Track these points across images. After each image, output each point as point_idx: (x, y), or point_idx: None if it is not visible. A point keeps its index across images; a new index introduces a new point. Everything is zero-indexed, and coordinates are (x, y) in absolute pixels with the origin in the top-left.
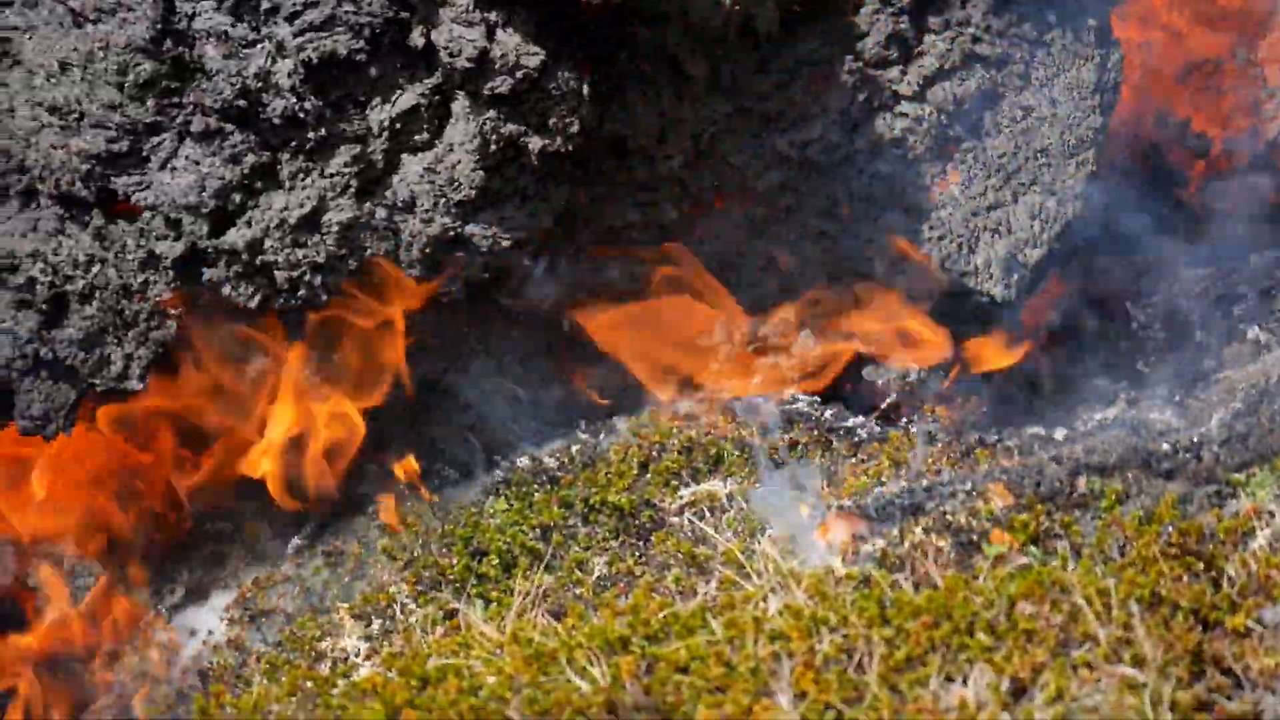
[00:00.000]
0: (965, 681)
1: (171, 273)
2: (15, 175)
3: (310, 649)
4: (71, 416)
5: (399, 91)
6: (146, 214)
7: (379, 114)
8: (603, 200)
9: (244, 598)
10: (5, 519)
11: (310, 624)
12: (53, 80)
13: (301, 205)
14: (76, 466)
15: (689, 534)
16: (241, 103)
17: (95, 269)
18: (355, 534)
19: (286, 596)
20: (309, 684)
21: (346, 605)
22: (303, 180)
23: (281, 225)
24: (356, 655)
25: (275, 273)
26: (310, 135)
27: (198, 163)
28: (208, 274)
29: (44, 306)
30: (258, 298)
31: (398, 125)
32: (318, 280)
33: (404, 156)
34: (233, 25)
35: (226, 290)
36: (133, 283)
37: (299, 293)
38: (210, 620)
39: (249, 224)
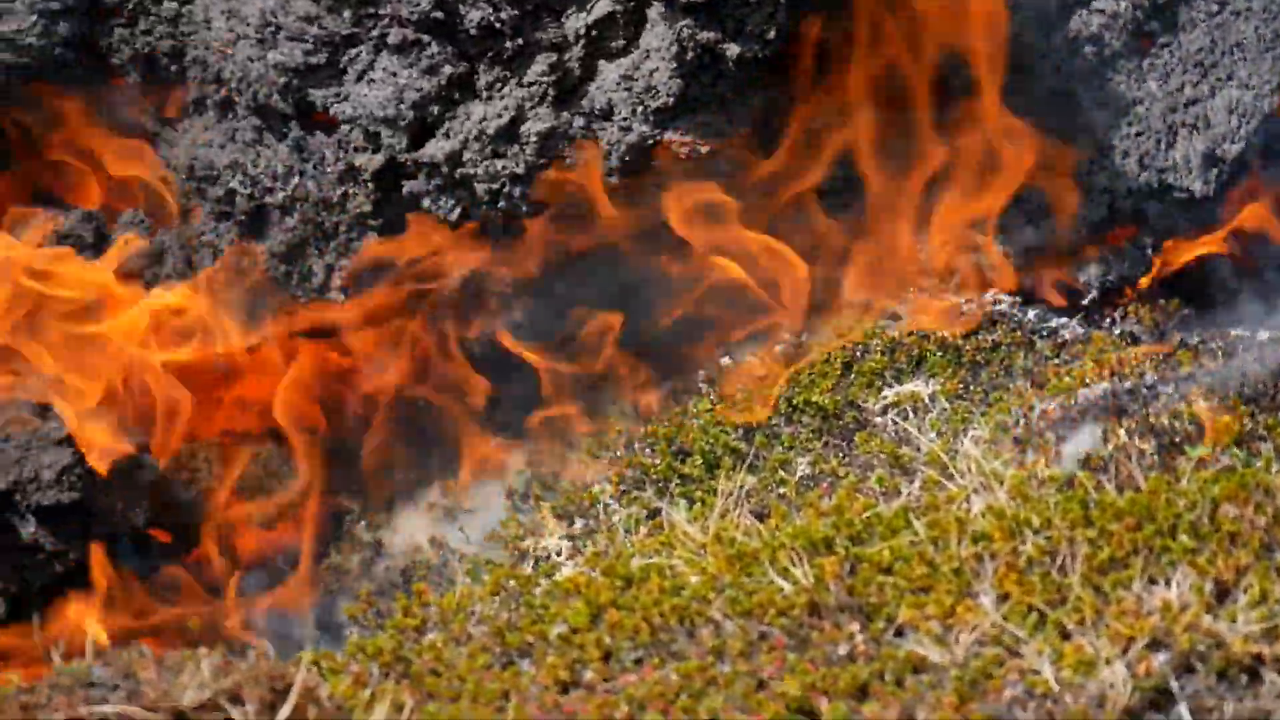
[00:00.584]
0: (1168, 584)
1: (370, 185)
2: (212, 86)
3: (513, 548)
4: (273, 326)
5: None
6: (344, 126)
7: (575, 22)
8: (800, 105)
9: (447, 496)
10: (209, 419)
11: (513, 523)
12: None
13: (500, 116)
14: (280, 369)
15: (892, 434)
16: (438, 14)
17: (294, 181)
18: (559, 433)
19: (490, 495)
20: (512, 583)
21: (550, 504)
22: (500, 90)
23: (480, 136)
24: (559, 554)
25: (475, 185)
26: (507, 45)
27: (395, 75)
28: (407, 186)
29: (244, 218)
30: (457, 210)
31: (594, 33)
32: (517, 191)
33: (600, 64)
34: None
35: (426, 203)
36: (332, 195)
37: (499, 204)
38: (414, 520)
39: (447, 136)
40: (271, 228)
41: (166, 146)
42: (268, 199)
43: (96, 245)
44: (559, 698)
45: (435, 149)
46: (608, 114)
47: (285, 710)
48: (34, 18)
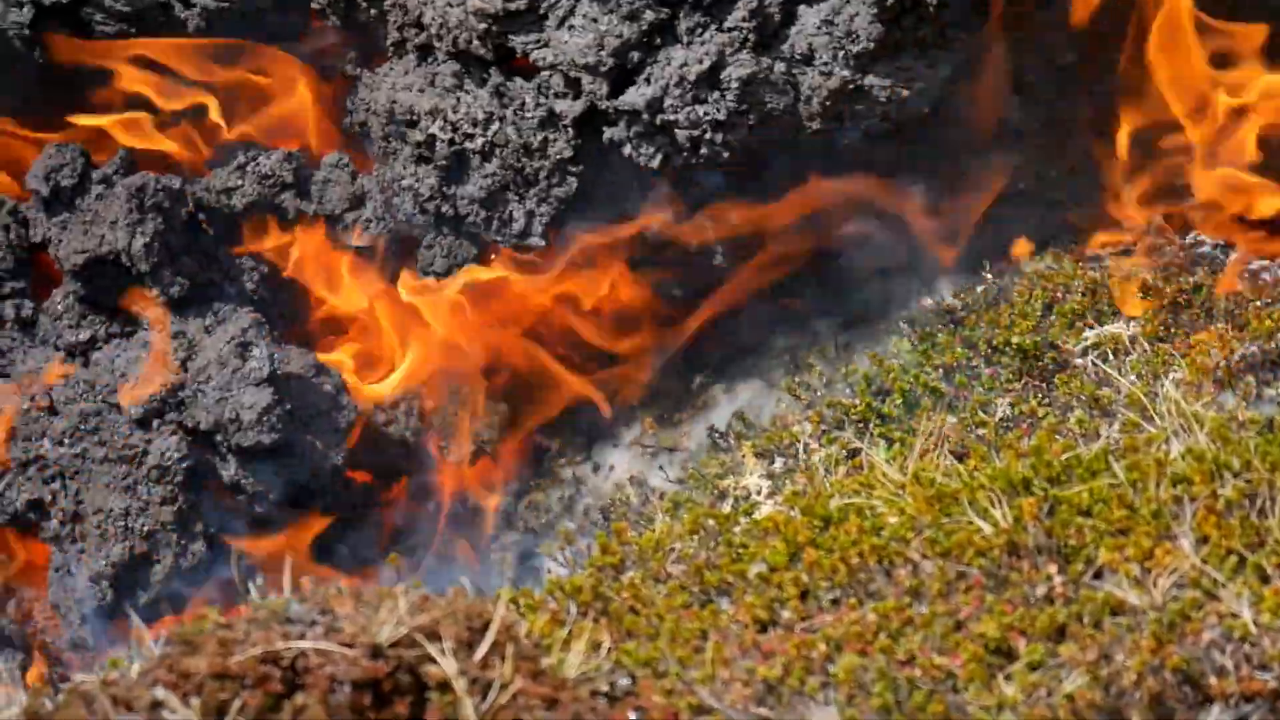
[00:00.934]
0: None
1: (571, 131)
2: (412, 30)
3: (713, 486)
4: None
5: None
6: (545, 72)
7: None
8: (1001, 47)
9: (647, 435)
10: (419, 357)
11: (713, 461)
12: None
13: (700, 61)
14: (481, 308)
15: (1092, 376)
16: None
17: (494, 127)
18: (759, 372)
19: (689, 434)
20: (711, 521)
21: (750, 443)
22: (700, 35)
23: (681, 83)
24: (758, 493)
25: (676, 132)
26: None
27: (595, 21)
28: (608, 133)
29: (444, 163)
30: (659, 157)
31: None
32: (718, 138)
33: (800, 9)
34: None
35: (627, 150)
36: (532, 141)
37: (700, 151)
38: (613, 457)
39: (648, 82)
40: (471, 173)
41: (367, 90)
42: (468, 145)
43: (297, 186)
44: (757, 636)
45: (636, 96)
46: (808, 59)
47: (483, 647)
48: None
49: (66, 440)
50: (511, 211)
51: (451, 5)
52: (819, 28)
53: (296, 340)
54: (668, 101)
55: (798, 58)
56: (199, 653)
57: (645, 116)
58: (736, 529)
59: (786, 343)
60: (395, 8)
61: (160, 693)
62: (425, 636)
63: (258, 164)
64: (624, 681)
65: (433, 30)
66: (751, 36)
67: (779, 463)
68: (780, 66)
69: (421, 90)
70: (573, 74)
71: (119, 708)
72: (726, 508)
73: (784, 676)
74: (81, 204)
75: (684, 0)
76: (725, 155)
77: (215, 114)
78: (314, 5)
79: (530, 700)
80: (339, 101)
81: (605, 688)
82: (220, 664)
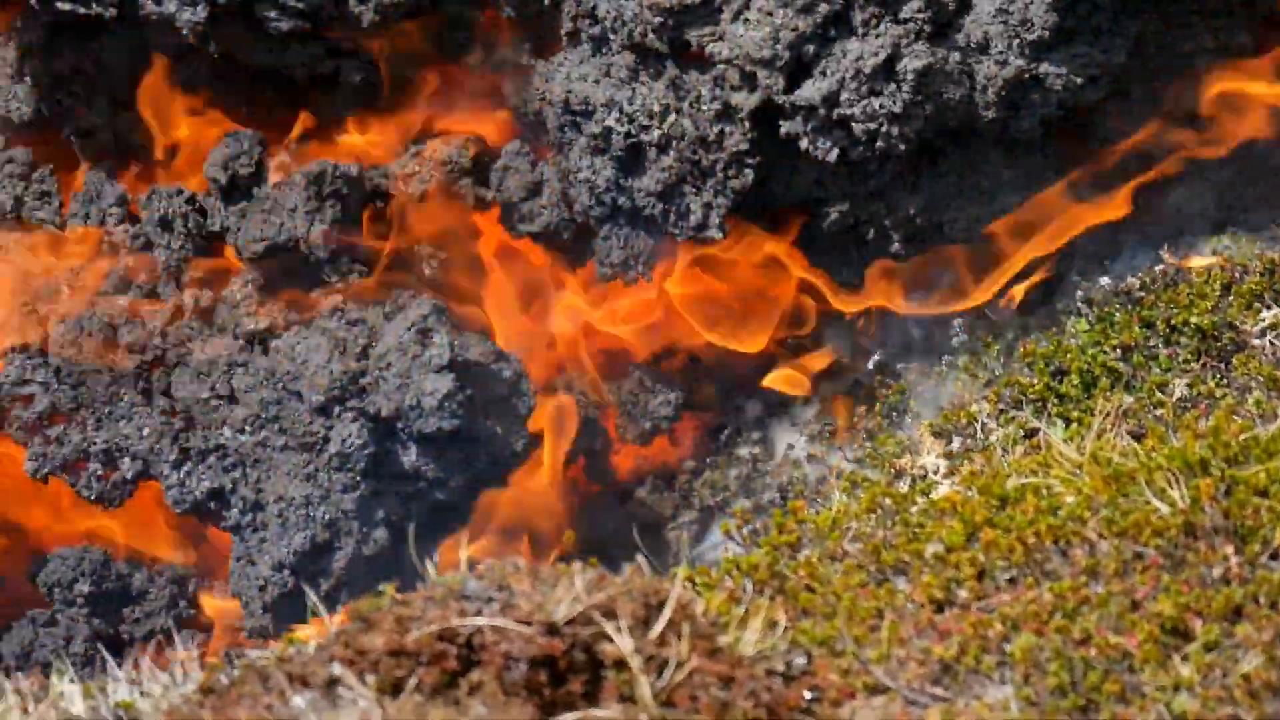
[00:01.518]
0: None
1: (747, 124)
2: (586, 20)
3: (890, 466)
4: (650, 263)
5: None
6: (720, 65)
7: None
8: (1173, 27)
9: (825, 414)
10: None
11: (890, 441)
12: None
13: (876, 54)
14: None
15: (1270, 356)
16: None
17: (670, 119)
18: (935, 352)
19: (867, 414)
20: (888, 500)
21: (927, 422)
22: (875, 27)
23: (857, 75)
24: (935, 473)
25: (852, 125)
26: None
27: (770, 14)
28: (785, 127)
29: (620, 155)
30: (835, 151)
31: None
32: (895, 130)
33: None
34: None
35: (804, 144)
36: (709, 133)
37: (876, 144)
38: (791, 436)
39: (824, 74)
40: (648, 166)
41: (541, 80)
42: (644, 137)
43: (474, 171)
44: (933, 616)
45: (812, 91)
46: (983, 48)
47: (659, 625)
48: None
49: (247, 428)
50: (689, 204)
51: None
52: (993, 16)
53: (475, 327)
54: (844, 95)
55: (973, 47)
56: (375, 630)
57: (822, 111)
58: (913, 508)
59: (963, 322)
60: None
61: (336, 669)
62: (602, 614)
63: (436, 151)
64: (800, 660)
65: (607, 23)
66: (926, 27)
67: (956, 442)
68: (955, 57)
69: (596, 81)
70: (748, 68)
71: (294, 684)
72: (904, 487)
73: (960, 656)
74: (259, 192)
75: None
76: (902, 147)
77: (392, 102)
78: None
79: (706, 678)
80: (514, 90)
81: (781, 666)
82: (396, 641)
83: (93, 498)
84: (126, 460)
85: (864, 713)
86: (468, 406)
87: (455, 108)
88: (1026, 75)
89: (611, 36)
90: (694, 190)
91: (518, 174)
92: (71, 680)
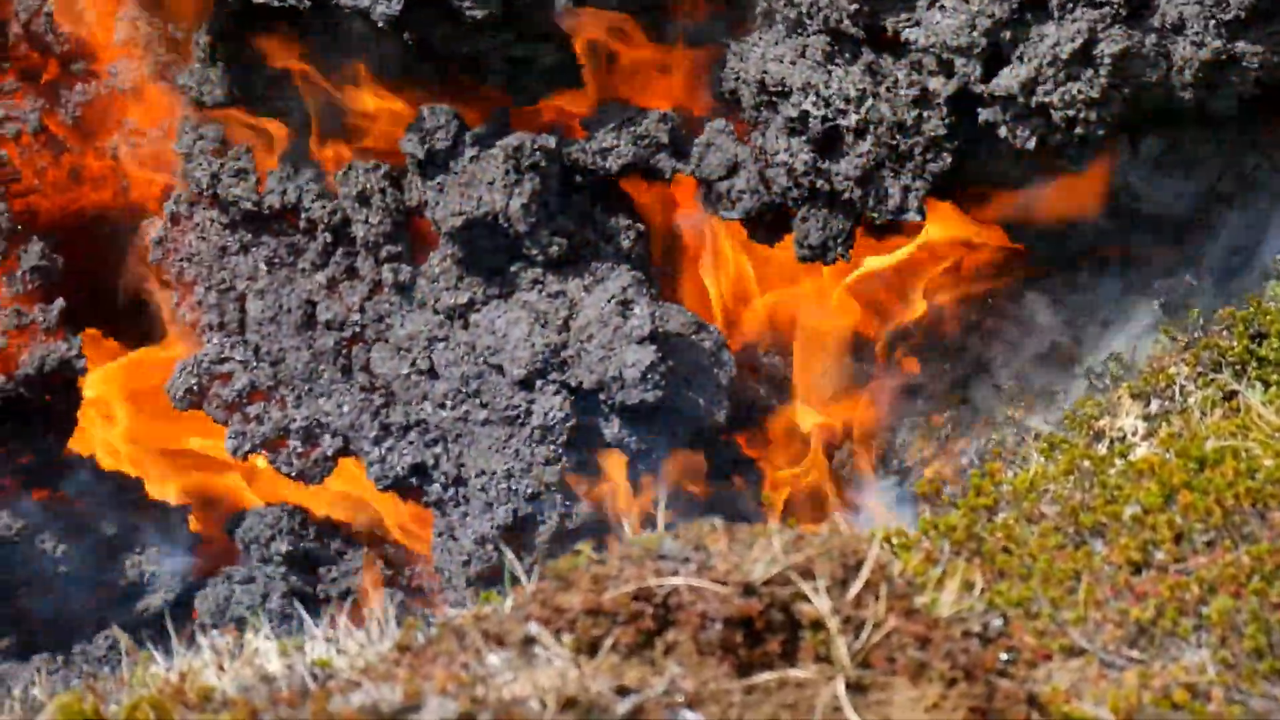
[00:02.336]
0: None
1: (945, 109)
2: (781, 2)
3: (1088, 428)
4: (849, 244)
5: None
6: (916, 52)
7: None
8: None
9: (1021, 376)
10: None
11: (1089, 403)
12: None
13: (1073, 39)
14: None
15: None
16: None
17: (868, 103)
18: (1136, 315)
19: (1068, 377)
20: (1086, 463)
21: (1126, 385)
22: (1072, 12)
23: (1054, 62)
24: (1134, 435)
25: (1051, 112)
26: None
27: (967, 1)
28: (983, 115)
29: (818, 138)
30: (1034, 139)
31: None
32: (1093, 115)
33: None
34: None
35: (1003, 132)
36: (906, 118)
37: (1075, 130)
38: (987, 400)
39: (1021, 60)
40: (845, 150)
41: (736, 59)
42: (841, 121)
43: (674, 147)
44: (1130, 578)
45: (1010, 79)
46: (1179, 28)
47: (856, 585)
48: None
49: (448, 403)
50: (887, 187)
51: None
52: None
53: (672, 298)
54: (1041, 83)
55: (1168, 28)
56: (572, 589)
57: (1020, 99)
58: (1111, 470)
59: (1163, 285)
60: None
61: (533, 628)
62: (799, 574)
63: (635, 125)
64: (996, 622)
65: (802, 7)
66: (1122, 10)
67: (1155, 404)
68: (1151, 39)
69: (792, 63)
70: (945, 55)
71: (491, 642)
72: (1102, 449)
73: (1156, 618)
74: (456, 166)
75: None
76: (1100, 132)
77: (588, 79)
78: None
79: (903, 639)
80: (709, 68)
81: (977, 628)
82: (593, 600)
83: (293, 475)
84: (327, 437)
85: (1060, 675)
86: (669, 377)
87: (650, 85)
88: (1223, 55)
89: (807, 21)
90: (892, 174)
91: (719, 151)
92: (267, 637)
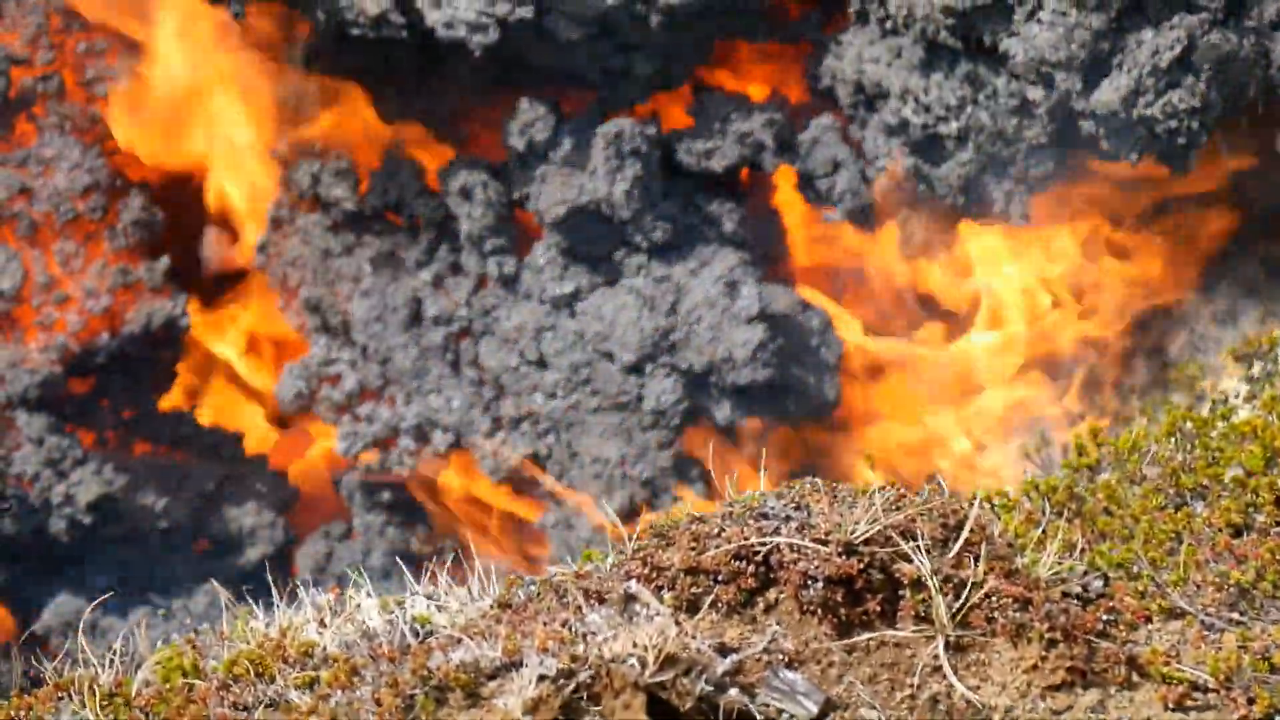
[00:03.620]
0: None
1: (1046, 119)
2: (875, 4)
3: (1191, 388)
4: (950, 243)
5: None
6: (1015, 63)
7: None
8: None
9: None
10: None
11: (1191, 365)
12: None
13: (1172, 47)
14: None
15: None
16: None
17: (968, 110)
18: (1240, 279)
19: (1172, 337)
20: (1188, 424)
21: (1230, 347)
22: (1170, 18)
23: (1154, 71)
24: (1236, 397)
25: (1153, 124)
26: None
27: (1065, 14)
28: (1084, 127)
29: (918, 143)
30: (1136, 151)
31: None
32: (1195, 124)
33: None
34: None
35: (1104, 145)
36: (1006, 126)
37: (1177, 140)
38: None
39: (1120, 69)
40: (946, 156)
41: (833, 57)
42: (941, 128)
43: (776, 143)
44: (1230, 540)
45: (1110, 93)
46: (1277, 25)
47: (957, 546)
48: None
49: (559, 392)
50: (990, 192)
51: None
52: None
53: (778, 280)
54: (1143, 94)
55: (1266, 25)
56: (673, 546)
57: (1121, 114)
58: (1213, 432)
59: (1266, 250)
60: None
61: (633, 586)
62: (899, 534)
63: (738, 122)
64: (1096, 583)
65: (898, 18)
66: (1220, 13)
67: (1257, 367)
68: (1249, 39)
69: (889, 64)
70: (1044, 69)
71: (590, 600)
72: (1204, 411)
73: (1257, 580)
74: (556, 156)
75: None
76: (1203, 139)
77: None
78: None
79: (1003, 600)
80: (805, 65)
81: (1078, 589)
82: (693, 558)
83: (405, 473)
84: (438, 433)
85: (1160, 636)
86: (779, 356)
87: (748, 81)
88: None
89: (903, 30)
90: (995, 179)
91: (824, 148)
92: (369, 594)
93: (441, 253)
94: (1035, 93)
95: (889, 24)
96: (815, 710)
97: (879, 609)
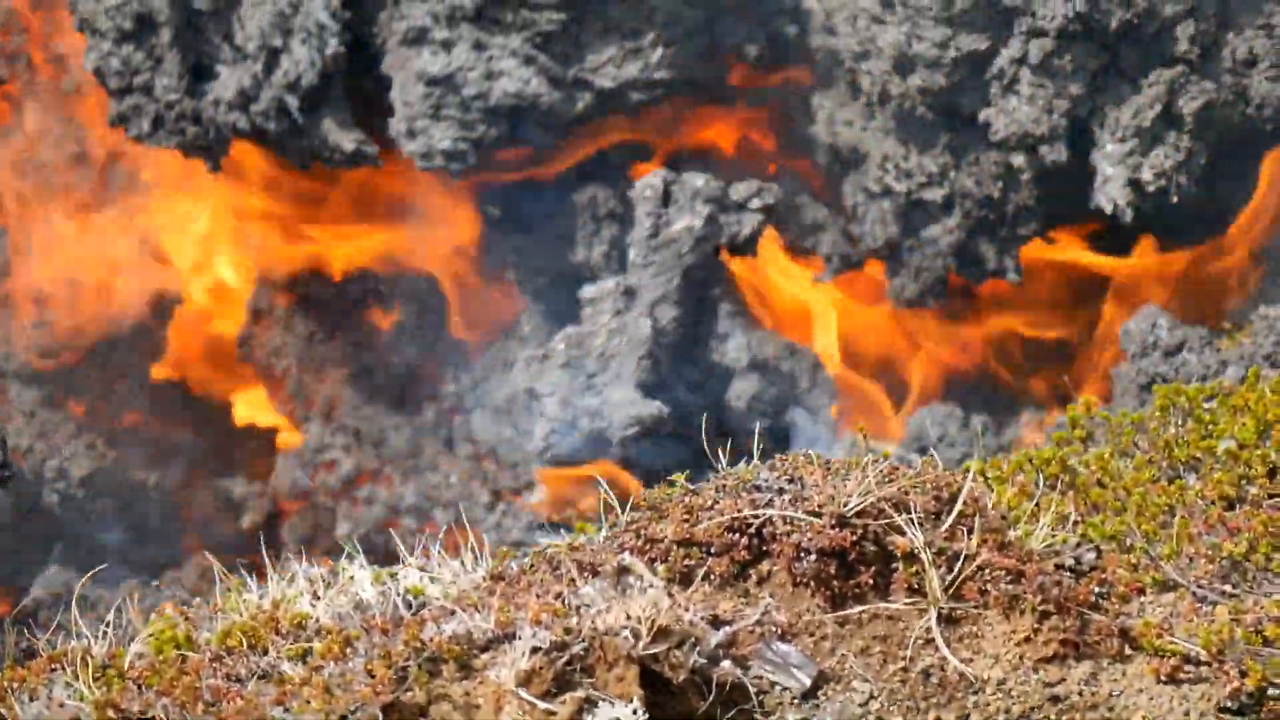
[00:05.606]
0: None
1: (1033, 184)
2: (842, 70)
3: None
4: (943, 294)
5: None
6: (997, 134)
7: None
8: None
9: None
10: None
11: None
12: (880, 22)
13: (1152, 105)
14: None
15: None
16: (1076, 26)
17: (951, 177)
18: None
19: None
20: (1180, 397)
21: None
22: (1147, 76)
23: (1138, 133)
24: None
25: (1144, 184)
26: (1146, 26)
27: (1043, 86)
28: (1075, 186)
29: (902, 207)
30: (1129, 211)
31: None
32: (1183, 178)
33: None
34: None
35: (1101, 200)
36: (993, 192)
37: (1169, 194)
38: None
39: (1103, 129)
40: (932, 220)
41: (803, 118)
42: (925, 195)
43: (760, 213)
44: (1223, 513)
45: (1098, 157)
46: (1250, 63)
47: (950, 518)
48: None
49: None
50: (981, 253)
51: (890, 78)
52: (1258, 30)
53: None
54: (1129, 157)
55: (1240, 64)
56: (666, 519)
57: (1109, 172)
58: (1206, 405)
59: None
60: (821, 51)
61: (626, 558)
62: (892, 506)
63: (713, 201)
64: (1089, 555)
65: (873, 96)
66: (1195, 59)
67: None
68: (1227, 80)
69: (864, 128)
70: (1028, 141)
71: (584, 572)
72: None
73: (1249, 553)
74: (539, 226)
75: (1122, 38)
76: (1193, 190)
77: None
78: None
79: (995, 572)
80: (773, 121)
81: (1070, 561)
82: (686, 531)
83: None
84: (439, 511)
85: (1152, 609)
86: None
87: (721, 147)
88: None
89: (879, 103)
90: (985, 239)
91: (804, 210)
92: (362, 566)
93: (425, 329)
94: (1019, 159)
95: (862, 89)
96: (808, 682)
97: (872, 581)
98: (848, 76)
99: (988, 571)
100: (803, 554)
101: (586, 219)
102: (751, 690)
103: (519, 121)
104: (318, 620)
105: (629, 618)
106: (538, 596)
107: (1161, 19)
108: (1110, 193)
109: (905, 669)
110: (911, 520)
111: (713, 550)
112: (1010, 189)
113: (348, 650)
